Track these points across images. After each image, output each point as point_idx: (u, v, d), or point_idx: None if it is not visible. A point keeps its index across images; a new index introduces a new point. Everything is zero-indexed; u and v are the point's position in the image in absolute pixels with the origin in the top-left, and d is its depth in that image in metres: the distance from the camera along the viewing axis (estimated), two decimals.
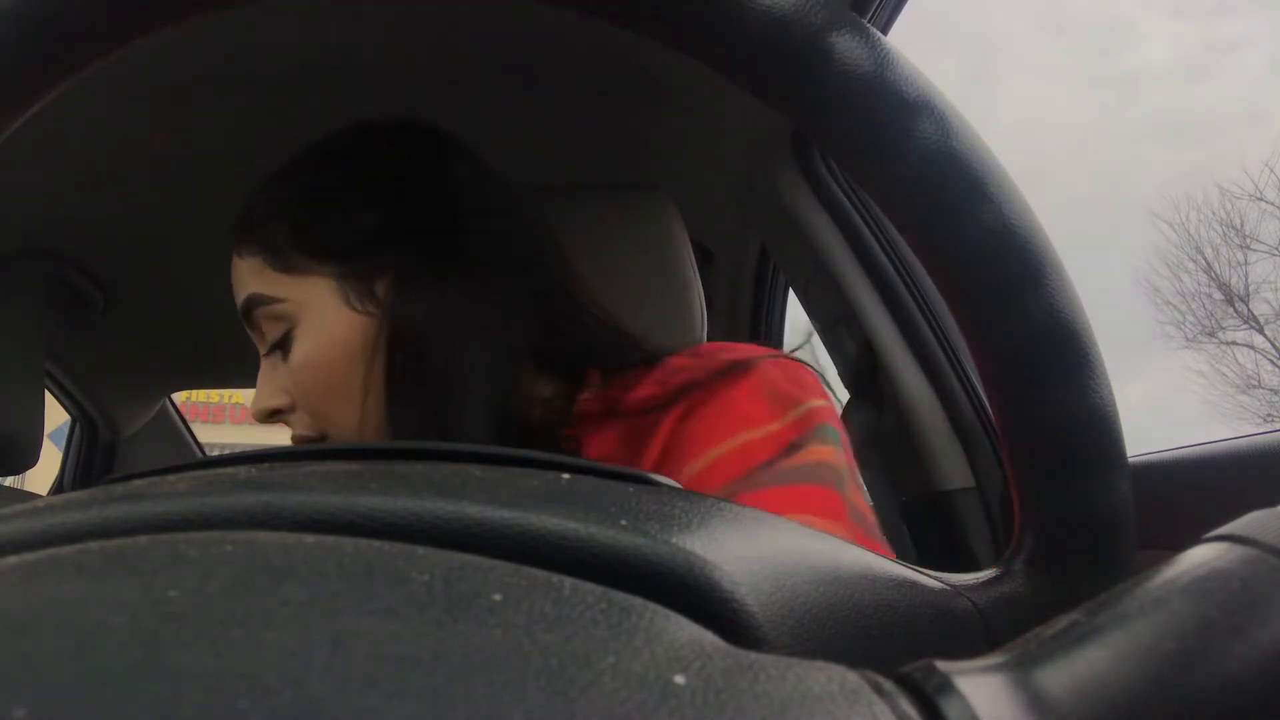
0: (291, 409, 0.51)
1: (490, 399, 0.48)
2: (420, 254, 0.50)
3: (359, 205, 0.51)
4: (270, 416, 0.51)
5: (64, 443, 1.51)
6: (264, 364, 0.52)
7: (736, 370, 0.45)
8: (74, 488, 1.44)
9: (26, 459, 1.02)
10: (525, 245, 0.54)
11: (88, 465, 1.46)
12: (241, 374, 1.46)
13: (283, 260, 0.50)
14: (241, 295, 0.51)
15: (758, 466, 0.41)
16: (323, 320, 0.49)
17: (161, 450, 1.57)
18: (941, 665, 0.11)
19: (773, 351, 0.48)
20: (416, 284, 0.49)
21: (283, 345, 0.50)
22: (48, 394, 1.26)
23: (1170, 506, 0.61)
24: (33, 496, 1.15)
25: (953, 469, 0.87)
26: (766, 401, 0.44)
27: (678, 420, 0.45)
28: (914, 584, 0.21)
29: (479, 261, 0.50)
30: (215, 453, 0.52)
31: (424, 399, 0.47)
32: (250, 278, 0.51)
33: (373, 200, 0.51)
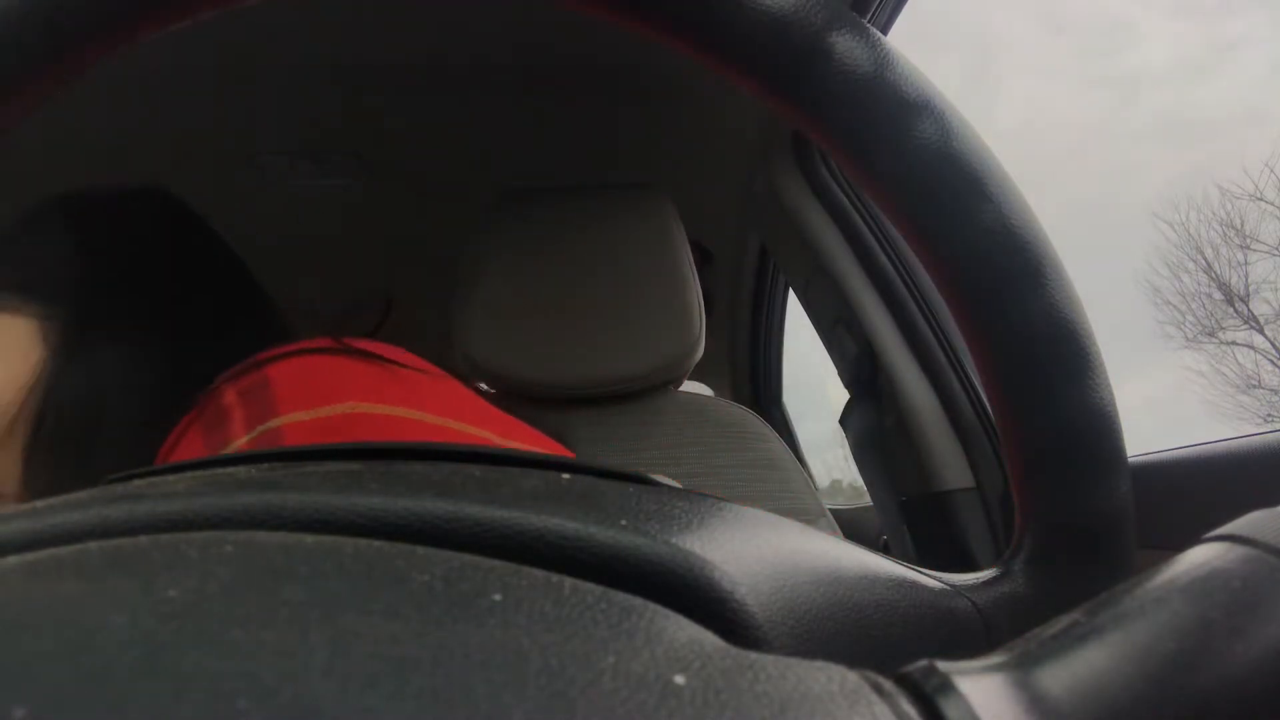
0: None
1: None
2: (117, 309, 0.49)
3: (69, 253, 0.50)
4: None
5: None
6: None
7: (204, 400, 0.41)
8: None
9: None
10: (230, 311, 0.53)
11: None
12: None
13: None
14: None
15: None
16: (13, 359, 0.47)
17: None
18: (941, 665, 0.11)
19: (259, 359, 0.41)
20: (102, 337, 0.48)
21: None
22: None
23: (1170, 506, 0.61)
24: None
25: (953, 469, 0.87)
26: (203, 440, 0.39)
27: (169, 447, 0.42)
28: (914, 584, 0.21)
29: (174, 323, 0.50)
30: None
31: (67, 459, 0.44)
32: None
33: (83, 250, 0.50)
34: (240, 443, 0.37)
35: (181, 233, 0.54)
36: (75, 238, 0.50)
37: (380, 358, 0.43)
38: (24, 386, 0.46)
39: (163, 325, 0.49)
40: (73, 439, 0.44)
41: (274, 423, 0.38)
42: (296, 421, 0.38)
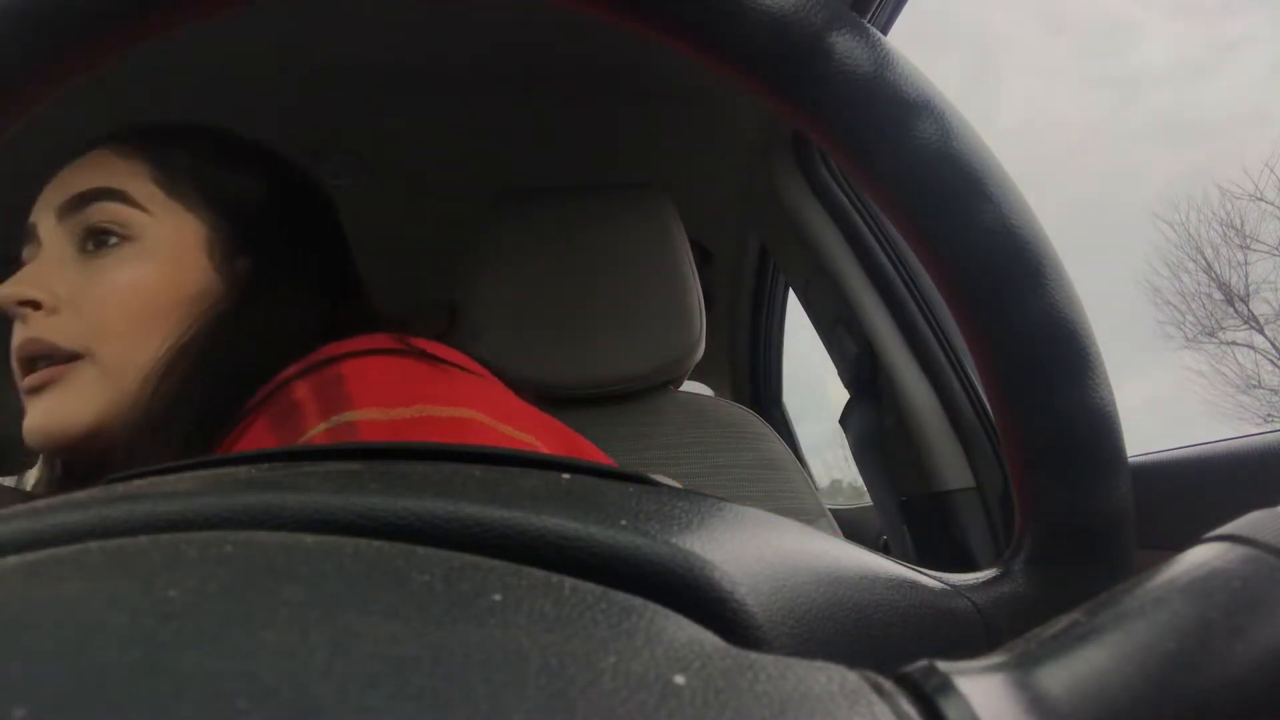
0: (53, 311, 0.46)
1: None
2: (287, 253, 0.52)
3: (260, 179, 0.53)
4: (21, 307, 0.46)
5: None
6: (50, 254, 0.48)
7: (272, 395, 0.42)
8: None
9: (27, 459, 1.02)
10: (348, 274, 0.58)
11: None
12: None
13: (171, 180, 0.50)
14: (91, 184, 0.48)
15: None
16: (175, 255, 0.48)
17: None
18: (941, 665, 0.11)
19: (317, 358, 0.42)
20: (275, 277, 0.51)
21: (95, 248, 0.47)
22: None
23: (1170, 506, 0.61)
24: (33, 496, 1.15)
25: (953, 469, 0.87)
26: (272, 433, 0.40)
27: (231, 443, 0.43)
28: (914, 584, 0.21)
29: (317, 278, 0.53)
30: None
31: (214, 376, 0.45)
32: (119, 174, 0.49)
33: (271, 187, 0.54)
34: (315, 432, 0.38)
35: (334, 216, 0.58)
36: (264, 176, 0.54)
37: (439, 359, 0.45)
38: (182, 286, 0.48)
39: (314, 293, 0.52)
40: (220, 375, 0.45)
41: (350, 416, 0.38)
42: (372, 420, 0.38)
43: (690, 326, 0.77)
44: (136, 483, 0.18)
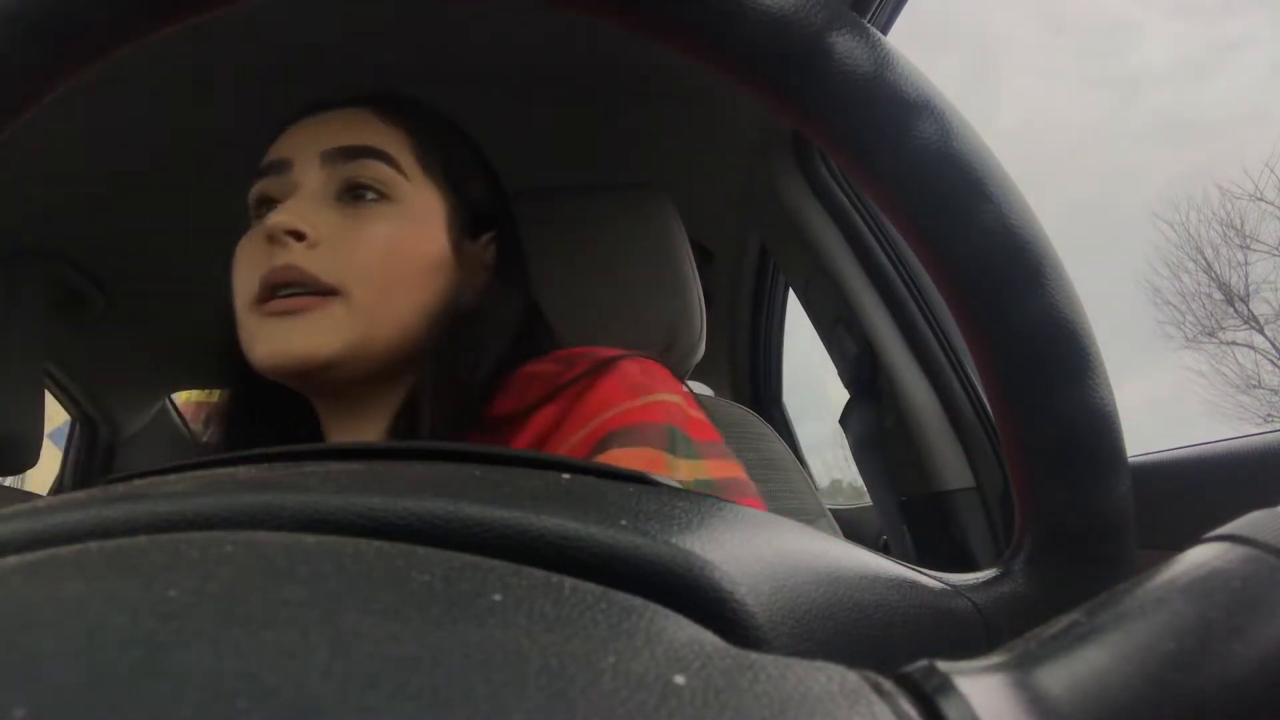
0: (313, 245, 0.49)
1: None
2: (511, 245, 0.58)
3: (488, 175, 0.59)
4: (287, 235, 0.48)
5: (64, 443, 1.51)
6: (311, 193, 0.50)
7: (601, 368, 0.48)
8: (74, 488, 1.44)
9: (26, 459, 1.02)
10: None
11: (88, 465, 1.46)
12: None
13: (426, 153, 0.54)
14: (360, 140, 0.51)
15: (613, 431, 0.45)
16: (423, 223, 0.52)
17: (161, 450, 1.57)
18: (941, 665, 0.11)
19: (629, 351, 0.51)
20: (506, 263, 0.56)
21: (352, 199, 0.51)
22: (48, 394, 1.26)
23: (1170, 506, 0.61)
24: (33, 496, 1.15)
25: (953, 469, 0.87)
26: (625, 389, 0.47)
27: (550, 423, 0.47)
28: (914, 584, 0.21)
29: (522, 268, 0.60)
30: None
31: (457, 355, 0.50)
32: (384, 137, 0.52)
33: (495, 184, 0.59)
34: (661, 398, 0.46)
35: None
36: (490, 174, 0.60)
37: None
38: (426, 254, 0.52)
39: (523, 284, 0.58)
40: (471, 345, 0.51)
41: (674, 397, 0.47)
42: (682, 406, 0.47)
43: (690, 327, 0.77)
44: (136, 483, 0.18)
